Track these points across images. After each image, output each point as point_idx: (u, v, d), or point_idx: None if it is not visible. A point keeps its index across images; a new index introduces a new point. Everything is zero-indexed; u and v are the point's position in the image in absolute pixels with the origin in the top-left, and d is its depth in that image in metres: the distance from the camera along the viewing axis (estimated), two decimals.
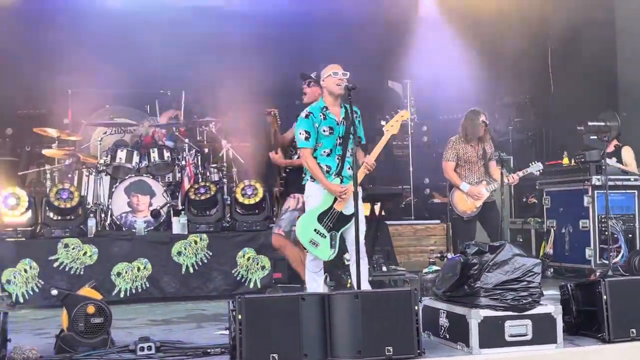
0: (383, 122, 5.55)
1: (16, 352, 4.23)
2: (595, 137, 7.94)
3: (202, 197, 7.68)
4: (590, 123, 8.03)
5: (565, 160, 8.30)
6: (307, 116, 5.56)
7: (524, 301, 4.10)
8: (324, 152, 5.55)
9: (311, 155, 5.54)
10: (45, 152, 8.76)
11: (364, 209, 6.32)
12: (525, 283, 4.12)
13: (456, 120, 7.75)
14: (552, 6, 9.79)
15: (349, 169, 5.47)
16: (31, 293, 6.99)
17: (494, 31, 10.15)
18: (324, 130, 5.51)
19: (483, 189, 6.98)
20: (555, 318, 4.19)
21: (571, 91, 10.00)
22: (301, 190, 5.96)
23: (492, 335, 4.05)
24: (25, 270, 7.01)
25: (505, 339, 4.07)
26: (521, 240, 8.99)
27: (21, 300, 6.94)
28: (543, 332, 4.14)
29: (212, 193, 7.73)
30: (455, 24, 10.58)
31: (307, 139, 5.51)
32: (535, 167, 7.08)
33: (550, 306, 4.26)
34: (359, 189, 5.32)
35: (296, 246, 6.26)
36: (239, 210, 7.82)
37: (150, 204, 7.69)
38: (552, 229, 8.23)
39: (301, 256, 6.23)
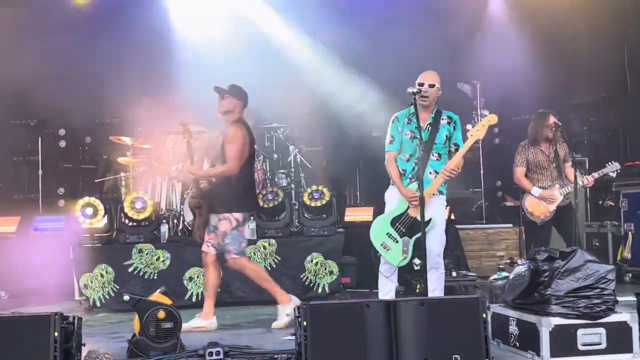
0: (469, 126, 5.43)
1: (91, 356, 4.35)
2: None
3: (270, 205, 7.73)
4: None
5: None
6: (393, 120, 5.60)
7: (597, 309, 3.98)
8: (404, 156, 5.54)
9: (393, 159, 5.55)
10: (120, 159, 8.97)
11: (445, 215, 6.17)
12: (598, 290, 3.99)
13: (528, 121, 7.55)
14: (629, 1, 9.44)
15: (430, 173, 5.38)
16: (107, 297, 7.16)
17: (566, 29, 9.86)
18: (407, 134, 5.50)
19: (556, 192, 6.77)
20: (631, 326, 4.04)
21: None
22: (228, 207, 6.05)
23: (564, 344, 3.94)
24: (102, 275, 7.20)
25: (577, 348, 3.95)
26: (597, 244, 8.67)
27: (97, 304, 7.12)
28: (618, 341, 4.00)
29: (280, 200, 7.76)
30: (525, 22, 10.34)
31: (391, 142, 5.57)
32: (612, 168, 6.79)
33: (625, 314, 4.11)
34: (441, 196, 5.38)
35: (251, 263, 6.33)
36: (306, 215, 7.85)
37: None
38: (630, 233, 7.93)
39: (261, 271, 6.36)
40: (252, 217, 7.78)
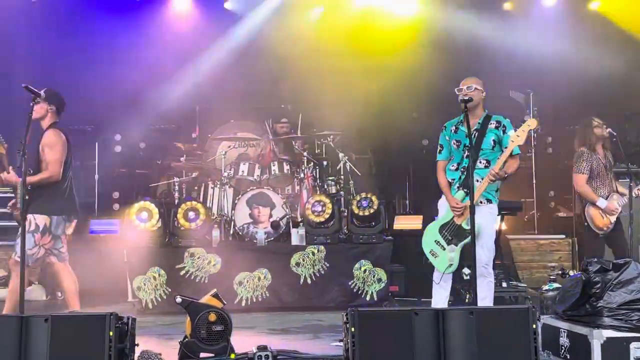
0: (512, 132, 5.35)
1: (143, 356, 4.43)
2: None
3: (320, 218, 7.74)
4: None
5: None
6: (442, 130, 5.62)
7: None
8: (453, 165, 5.54)
9: (442, 169, 5.57)
10: (174, 165, 9.11)
11: (496, 223, 6.11)
12: None
13: (574, 130, 7.42)
14: None
15: (477, 181, 5.27)
16: (159, 299, 7.28)
17: (621, 37, 9.68)
18: (454, 143, 5.50)
19: (615, 203, 6.63)
20: None
21: None
22: (38, 209, 5.82)
23: (616, 357, 3.85)
24: (154, 278, 7.32)
25: None
26: None
27: (150, 306, 7.25)
28: None
29: (330, 212, 7.74)
30: (579, 30, 10.15)
31: (440, 151, 5.61)
32: None
33: None
34: (490, 205, 5.36)
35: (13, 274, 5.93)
36: (355, 223, 7.82)
37: (271, 216, 7.82)
38: None
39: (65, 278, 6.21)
40: (301, 224, 7.85)
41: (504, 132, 5.46)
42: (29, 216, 5.61)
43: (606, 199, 6.62)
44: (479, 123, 5.44)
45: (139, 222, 7.63)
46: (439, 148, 5.62)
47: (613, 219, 6.59)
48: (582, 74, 9.71)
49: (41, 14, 9.80)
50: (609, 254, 6.64)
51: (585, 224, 6.80)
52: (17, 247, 5.74)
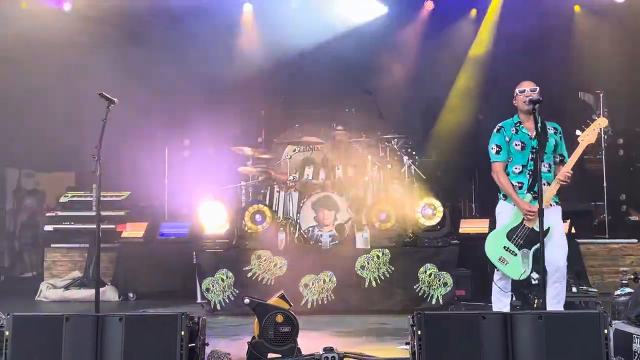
0: (578, 132, 5.26)
1: (213, 356, 4.50)
2: None
3: (383, 227, 7.80)
4: None
5: None
6: (498, 130, 5.48)
7: None
8: (516, 168, 5.40)
9: (503, 170, 5.42)
10: (240, 169, 9.23)
11: (564, 227, 5.99)
12: None
13: None
14: None
15: (544, 184, 5.15)
16: (227, 301, 7.38)
17: None
18: (516, 145, 5.37)
19: None
20: None
21: None
22: None
23: None
24: (222, 280, 7.42)
25: None
26: None
27: (218, 307, 7.35)
28: None
29: (392, 222, 7.78)
30: None
31: (498, 152, 5.43)
32: None
33: None
34: (557, 206, 5.26)
35: None
36: (424, 224, 7.79)
37: (335, 219, 7.83)
38: None
39: None
40: (365, 227, 7.85)
41: (560, 138, 5.39)
42: None
43: None
44: (539, 127, 5.29)
45: (255, 225, 7.83)
46: (495, 149, 5.44)
47: None
48: None
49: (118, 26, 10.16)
50: None
51: None
52: None
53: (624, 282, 6.40)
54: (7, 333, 3.98)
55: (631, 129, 10.26)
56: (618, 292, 6.04)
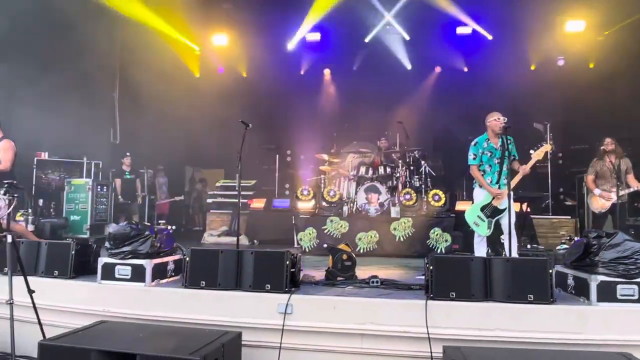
0: (532, 151, 5.12)
1: (305, 278, 4.57)
2: None
3: (409, 203, 7.81)
4: None
5: None
6: (475, 144, 5.38)
7: (632, 272, 3.59)
8: (488, 167, 5.31)
9: (477, 169, 5.33)
10: (321, 168, 9.33)
11: (515, 207, 5.89)
12: (633, 259, 3.59)
13: (583, 149, 6.97)
14: None
15: (505, 179, 5.12)
16: (312, 246, 7.47)
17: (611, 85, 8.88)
18: (486, 154, 5.29)
19: (612, 194, 6.16)
20: None
21: None
22: None
23: (606, 294, 3.60)
24: (310, 234, 7.53)
25: (616, 297, 3.59)
26: (632, 232, 7.67)
27: (307, 250, 7.45)
28: None
29: (414, 200, 7.81)
30: (582, 76, 9.41)
31: (474, 158, 5.35)
32: None
33: None
34: (511, 192, 5.06)
35: None
36: (434, 205, 7.80)
37: (378, 199, 7.82)
38: None
39: None
40: (397, 204, 7.83)
41: (513, 145, 5.26)
42: None
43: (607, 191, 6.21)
44: (501, 141, 5.18)
45: (301, 197, 7.97)
46: (472, 156, 5.32)
47: (608, 204, 6.13)
48: (583, 109, 9.06)
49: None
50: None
51: (586, 205, 6.49)
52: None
53: (562, 241, 6.21)
54: (187, 259, 4.13)
55: (567, 146, 9.87)
56: (558, 247, 5.88)
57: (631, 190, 6.13)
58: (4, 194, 3.34)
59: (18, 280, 3.53)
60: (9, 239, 3.29)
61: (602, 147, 6.38)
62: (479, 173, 5.34)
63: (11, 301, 3.28)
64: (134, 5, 9.07)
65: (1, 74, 7.33)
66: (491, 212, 5.23)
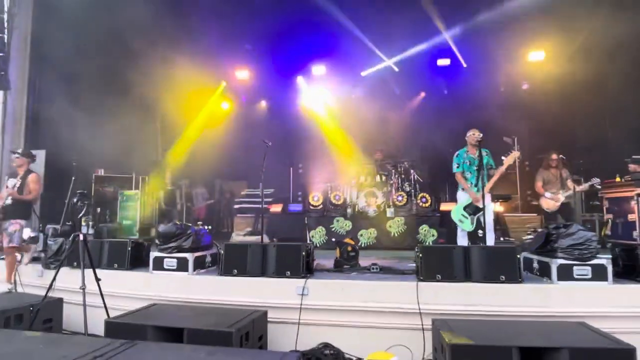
0: (503, 157, 5.22)
1: (319, 265, 4.57)
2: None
3: (401, 203, 7.77)
4: (634, 157, 6.71)
5: (617, 179, 6.98)
6: (457, 155, 5.48)
7: (585, 256, 3.67)
8: (468, 174, 5.40)
9: (461, 176, 5.41)
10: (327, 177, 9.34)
11: (493, 205, 5.95)
12: (586, 246, 3.68)
13: (542, 159, 7.06)
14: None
15: (480, 182, 5.20)
16: (322, 242, 7.53)
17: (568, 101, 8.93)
18: (467, 162, 5.38)
19: (560, 195, 6.23)
20: (606, 266, 3.68)
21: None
22: (21, 216, 4.86)
23: (565, 274, 3.69)
24: (319, 231, 7.61)
25: (573, 276, 3.68)
26: (589, 226, 7.70)
27: (318, 244, 7.49)
28: (598, 274, 3.66)
29: (405, 200, 7.77)
30: (542, 96, 9.47)
31: (457, 167, 5.44)
32: (595, 181, 6.18)
33: (603, 260, 3.74)
34: (488, 195, 5.19)
35: (11, 256, 4.91)
36: (420, 206, 7.80)
37: (376, 202, 7.89)
38: (609, 220, 6.97)
39: (15, 263, 4.94)
40: (391, 205, 7.87)
41: (489, 156, 5.33)
42: (18, 221, 4.83)
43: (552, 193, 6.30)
44: (478, 152, 5.26)
45: (335, 203, 7.93)
46: (456, 165, 5.42)
47: (558, 203, 6.20)
48: (545, 124, 9.11)
49: None
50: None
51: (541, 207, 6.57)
52: (15, 239, 4.81)
53: (528, 233, 6.26)
54: (222, 252, 4.22)
55: (533, 155, 9.88)
56: (525, 237, 5.93)
57: (571, 192, 6.23)
58: (77, 203, 3.50)
59: (87, 271, 3.68)
60: (81, 237, 3.44)
61: (548, 160, 6.49)
62: (462, 179, 5.41)
63: (84, 287, 3.43)
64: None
65: (66, 104, 7.53)
66: (473, 210, 5.30)
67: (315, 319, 3.81)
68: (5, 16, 6.52)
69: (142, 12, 7.23)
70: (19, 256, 4.91)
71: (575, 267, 3.67)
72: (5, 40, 6.46)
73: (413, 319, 3.62)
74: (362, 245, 7.36)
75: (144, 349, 2.58)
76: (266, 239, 8.68)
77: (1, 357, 2.31)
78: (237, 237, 8.98)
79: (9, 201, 4.86)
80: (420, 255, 3.86)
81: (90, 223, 7.41)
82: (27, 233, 5.09)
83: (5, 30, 6.47)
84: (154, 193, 8.91)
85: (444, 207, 8.55)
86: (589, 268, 3.66)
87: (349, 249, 4.72)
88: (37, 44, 7.81)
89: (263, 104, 11.63)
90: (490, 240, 5.08)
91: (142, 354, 2.48)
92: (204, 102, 10.42)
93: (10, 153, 5.03)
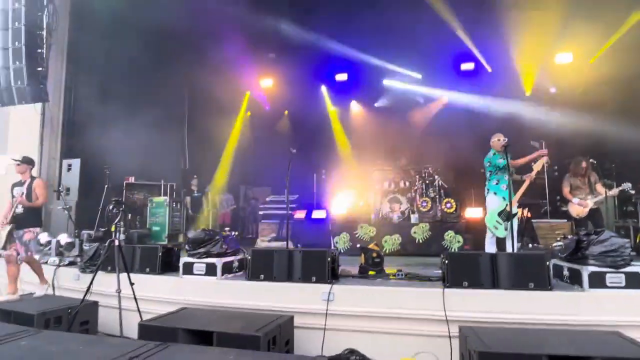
0: (533, 163, 5.16)
1: (343, 272, 4.57)
2: None
3: (425, 209, 7.73)
4: None
5: None
6: (493, 154, 5.41)
7: (619, 263, 3.57)
8: (495, 181, 5.35)
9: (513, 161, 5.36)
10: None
11: (519, 212, 5.87)
12: (618, 252, 3.58)
13: (568, 163, 6.87)
14: None
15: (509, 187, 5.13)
16: (347, 247, 7.51)
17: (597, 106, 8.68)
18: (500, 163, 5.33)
19: (589, 201, 6.06)
20: None
21: None
22: (33, 224, 4.78)
23: (597, 282, 3.59)
24: (344, 237, 7.58)
25: (606, 284, 3.57)
26: (623, 232, 7.42)
27: (342, 250, 7.46)
28: (633, 282, 3.53)
29: (429, 207, 7.71)
30: (568, 100, 9.22)
31: (501, 161, 5.34)
32: (626, 186, 5.94)
33: (637, 267, 3.60)
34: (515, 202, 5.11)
35: (34, 262, 4.89)
36: (447, 212, 7.74)
37: (400, 208, 7.84)
38: None
39: (40, 265, 4.96)
40: (415, 211, 7.83)
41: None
42: (31, 229, 4.77)
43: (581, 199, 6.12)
44: (507, 158, 5.18)
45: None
46: (500, 160, 5.25)
47: (586, 210, 6.03)
48: (572, 129, 8.87)
49: None
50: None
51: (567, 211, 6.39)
52: (31, 247, 4.75)
53: (558, 239, 6.10)
54: (249, 257, 4.30)
55: (561, 161, 9.62)
56: (555, 244, 5.78)
57: (602, 197, 6.01)
58: (112, 209, 3.68)
59: (121, 276, 3.84)
60: (117, 243, 3.61)
61: (576, 167, 6.31)
62: (521, 159, 5.30)
63: (119, 290, 3.59)
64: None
65: (99, 114, 7.86)
66: (506, 216, 5.21)
67: (340, 324, 3.83)
68: (44, 32, 6.92)
69: (172, 22, 7.48)
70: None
71: (608, 275, 3.56)
72: (44, 55, 6.86)
73: (439, 326, 3.60)
74: (387, 251, 7.33)
75: (176, 350, 2.69)
76: (291, 245, 8.82)
77: (49, 355, 2.46)
78: (262, 242, 9.10)
79: (19, 209, 4.83)
80: (446, 261, 3.84)
81: (122, 229, 7.68)
82: (45, 238, 5.17)
83: (44, 46, 6.87)
84: (181, 200, 9.15)
85: (469, 212, 8.45)
86: (623, 275, 3.54)
87: (374, 255, 4.68)
88: (73, 56, 8.20)
89: (286, 111, 11.80)
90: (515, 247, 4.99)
91: (175, 356, 2.59)
92: (228, 111, 10.65)
93: (12, 161, 4.98)
